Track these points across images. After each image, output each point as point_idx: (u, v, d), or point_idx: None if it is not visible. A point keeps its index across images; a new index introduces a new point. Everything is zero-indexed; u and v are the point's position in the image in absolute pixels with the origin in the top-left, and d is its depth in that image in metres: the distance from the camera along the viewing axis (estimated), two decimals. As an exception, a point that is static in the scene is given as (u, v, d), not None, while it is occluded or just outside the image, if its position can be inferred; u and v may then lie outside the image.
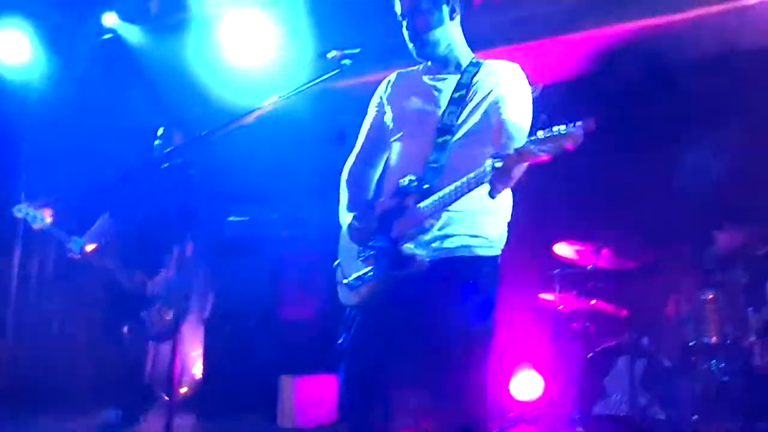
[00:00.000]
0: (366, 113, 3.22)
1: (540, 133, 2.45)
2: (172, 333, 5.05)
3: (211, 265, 5.64)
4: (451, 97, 2.91)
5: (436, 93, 2.96)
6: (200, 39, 6.19)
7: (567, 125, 2.41)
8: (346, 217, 3.03)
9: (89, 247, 5.04)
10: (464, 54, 3.03)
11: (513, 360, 6.15)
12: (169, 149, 3.14)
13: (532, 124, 2.86)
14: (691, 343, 4.84)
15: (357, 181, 3.12)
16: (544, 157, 2.44)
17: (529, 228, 5.94)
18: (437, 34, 2.95)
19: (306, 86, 3.05)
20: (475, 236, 2.84)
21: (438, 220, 2.78)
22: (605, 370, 5.05)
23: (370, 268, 2.88)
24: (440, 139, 2.84)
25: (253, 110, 3.07)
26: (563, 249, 5.43)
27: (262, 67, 6.01)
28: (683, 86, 5.28)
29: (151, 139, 5.12)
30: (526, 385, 5.94)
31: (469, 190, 2.65)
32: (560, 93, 5.93)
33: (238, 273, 6.10)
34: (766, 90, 5.15)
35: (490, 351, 2.84)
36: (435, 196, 2.74)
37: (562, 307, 5.42)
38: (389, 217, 2.85)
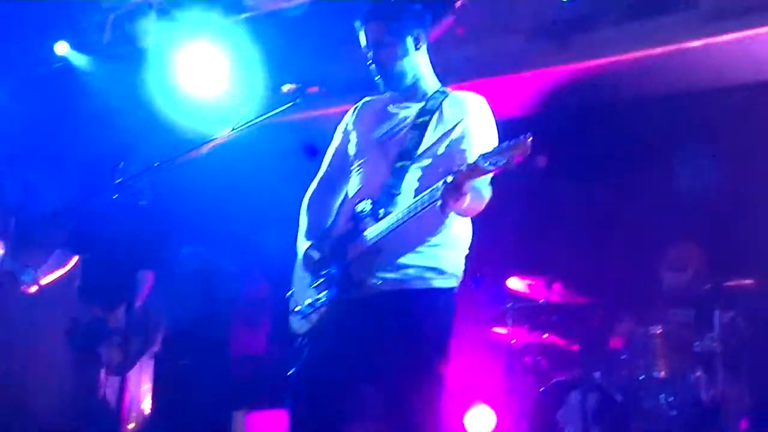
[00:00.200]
0: (323, 144, 3.21)
1: (490, 148, 2.49)
2: (131, 367, 4.98)
3: (161, 298, 5.55)
4: (413, 123, 2.89)
5: (399, 120, 2.94)
6: (153, 69, 6.14)
7: (515, 138, 2.43)
8: (302, 245, 2.99)
9: (44, 280, 4.96)
10: (431, 83, 3.02)
11: (467, 394, 6.15)
12: (119, 180, 3.08)
13: None
14: (640, 378, 4.88)
15: (317, 208, 3.08)
16: (495, 170, 2.45)
17: (483, 262, 6.01)
18: (403, 65, 2.94)
19: (260, 119, 3.04)
20: (432, 268, 2.80)
21: (393, 247, 2.75)
22: (557, 405, 5.06)
23: (322, 294, 2.85)
24: (399, 164, 2.82)
25: (207, 141, 3.04)
26: (516, 283, 5.47)
27: (217, 98, 5.99)
28: (628, 125, 5.42)
29: (103, 170, 5.04)
30: (479, 419, 5.94)
31: (423, 209, 2.62)
32: (511, 130, 6.05)
33: (189, 306, 6.00)
34: (705, 128, 5.31)
35: (443, 384, 2.80)
36: (389, 218, 2.72)
37: (514, 341, 5.45)
38: (343, 242, 2.82)
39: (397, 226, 2.69)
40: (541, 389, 5.21)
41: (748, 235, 5.16)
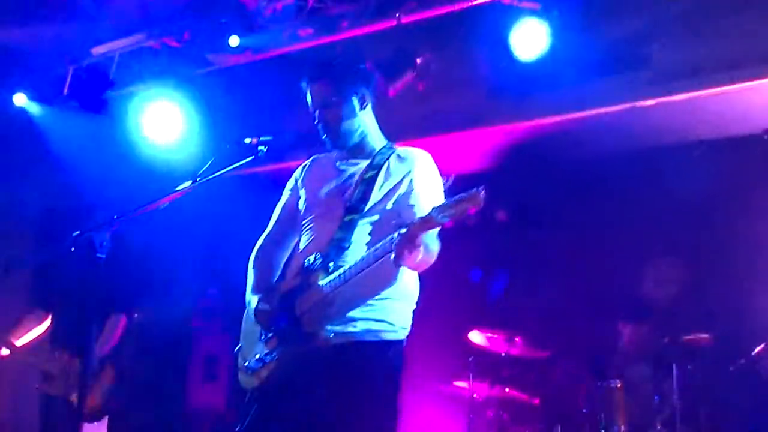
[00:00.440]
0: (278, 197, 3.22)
1: (443, 200, 2.51)
2: (103, 414, 4.89)
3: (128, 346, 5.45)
4: (361, 178, 2.92)
5: (347, 177, 2.97)
6: (112, 121, 6.13)
7: (469, 191, 2.46)
8: (251, 299, 2.98)
9: (19, 342, 4.94)
10: (377, 140, 3.05)
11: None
12: (76, 233, 3.03)
13: None
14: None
15: (264, 263, 3.08)
16: (448, 222, 2.47)
17: (444, 315, 6.01)
18: (349, 124, 2.98)
19: (221, 171, 3.03)
20: (381, 320, 2.80)
21: (343, 300, 2.76)
22: (519, 459, 5.04)
23: (272, 348, 2.83)
24: (347, 218, 2.84)
25: (168, 194, 3.02)
26: (477, 337, 5.47)
27: (176, 150, 5.98)
28: (587, 180, 5.52)
29: (60, 222, 5.00)
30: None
31: (375, 260, 2.64)
32: (471, 185, 6.12)
33: (146, 360, 5.88)
34: (662, 185, 5.42)
35: None
36: (339, 271, 2.73)
37: (476, 395, 5.42)
38: (293, 296, 2.82)
39: (350, 278, 2.70)
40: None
41: (706, 291, 5.24)
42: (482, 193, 2.44)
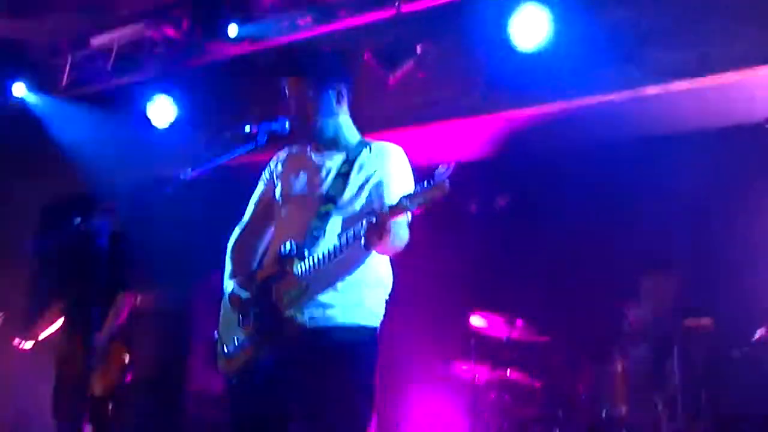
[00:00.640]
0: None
1: (409, 191, 2.61)
2: (116, 394, 4.97)
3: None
4: (337, 172, 3.01)
5: (323, 170, 3.05)
6: (113, 110, 6.15)
7: (434, 178, 2.56)
8: (229, 286, 3.07)
9: (42, 335, 5.13)
10: (352, 135, 3.14)
11: (431, 431, 6.13)
12: (77, 221, 3.06)
13: None
14: (602, 415, 4.91)
15: (241, 252, 3.17)
16: (417, 210, 2.59)
17: (445, 299, 6.04)
18: (324, 119, 3.05)
19: (220, 159, 3.05)
20: (356, 305, 2.90)
21: (318, 286, 2.85)
22: (521, 442, 5.07)
23: (249, 334, 2.91)
24: (323, 209, 2.93)
25: (167, 181, 3.04)
26: (478, 320, 5.50)
27: (175, 137, 5.99)
28: (588, 167, 5.52)
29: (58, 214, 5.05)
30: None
31: (347, 245, 2.73)
32: (473, 172, 6.13)
33: (148, 344, 5.92)
34: (663, 173, 5.43)
35: (369, 417, 2.89)
36: (313, 258, 2.82)
37: (477, 378, 5.45)
38: (270, 283, 2.89)
39: (323, 264, 2.80)
40: (505, 426, 5.21)
41: (709, 275, 5.26)
42: (447, 183, 2.54)
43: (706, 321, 4.79)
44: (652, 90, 4.74)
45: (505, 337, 5.40)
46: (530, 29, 4.71)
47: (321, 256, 2.79)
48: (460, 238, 6.07)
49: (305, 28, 5.20)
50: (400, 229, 2.79)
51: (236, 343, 2.94)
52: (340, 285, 2.88)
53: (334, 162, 3.04)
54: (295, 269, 2.84)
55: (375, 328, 2.97)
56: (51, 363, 5.08)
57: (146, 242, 5.43)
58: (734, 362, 4.82)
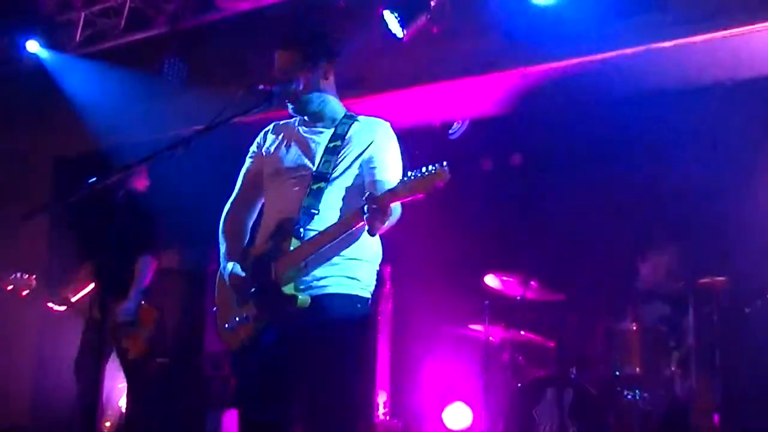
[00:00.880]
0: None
1: (410, 174, 2.66)
2: (156, 358, 5.03)
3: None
4: (326, 147, 3.06)
5: (312, 144, 3.09)
6: (125, 67, 6.12)
7: (435, 166, 2.62)
8: (226, 265, 3.11)
9: (74, 298, 5.12)
10: (338, 109, 3.18)
11: (444, 391, 6.18)
12: (92, 179, 3.05)
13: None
14: (616, 374, 4.92)
15: (234, 230, 3.21)
16: (418, 195, 2.65)
17: (460, 260, 6.04)
18: (311, 93, 3.09)
19: (236, 116, 3.03)
20: (351, 278, 2.98)
21: (315, 262, 2.92)
22: (534, 401, 5.10)
23: (250, 311, 2.98)
24: (315, 186, 2.98)
25: (182, 139, 3.02)
26: (492, 281, 5.49)
27: (191, 93, 5.97)
28: (603, 124, 5.45)
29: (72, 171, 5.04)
30: (457, 416, 5.98)
31: (348, 229, 2.84)
32: (487, 129, 6.08)
33: (163, 305, 5.97)
34: (679, 127, 5.37)
35: (367, 384, 2.98)
36: (313, 237, 2.90)
37: (491, 338, 5.47)
38: (267, 260, 2.95)
39: (321, 246, 2.87)
40: (518, 385, 5.24)
41: (723, 233, 5.22)
42: (447, 169, 2.60)
43: (721, 279, 4.77)
44: (667, 43, 4.67)
45: (519, 297, 5.40)
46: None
47: (318, 238, 2.88)
48: (473, 197, 6.04)
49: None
50: (397, 208, 2.86)
51: (236, 320, 3.01)
52: (336, 259, 2.95)
53: (322, 137, 3.09)
54: (291, 248, 2.91)
55: (368, 299, 3.05)
56: (78, 326, 5.12)
57: (162, 202, 5.44)
58: (748, 319, 4.81)
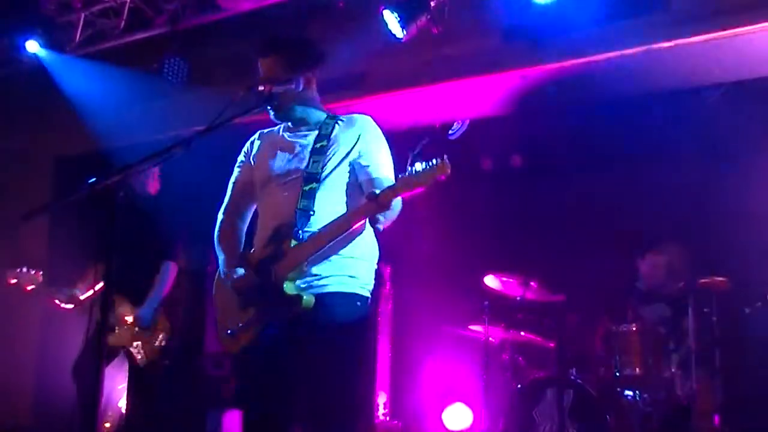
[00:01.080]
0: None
1: (410, 170, 2.71)
2: (162, 361, 5.01)
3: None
4: (313, 148, 3.08)
5: (298, 147, 3.12)
6: (125, 67, 6.11)
7: (436, 159, 2.68)
8: (227, 273, 3.13)
9: (83, 296, 5.06)
10: (319, 113, 3.22)
11: (444, 392, 6.18)
12: (92, 180, 3.04)
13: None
14: (616, 374, 4.92)
15: (229, 238, 3.23)
16: (419, 189, 2.70)
17: (460, 260, 6.04)
18: (293, 100, 3.12)
19: (236, 117, 3.02)
20: (351, 276, 3.02)
21: (315, 262, 2.95)
22: (534, 402, 5.09)
23: (253, 315, 3.01)
24: (307, 187, 3.01)
25: (183, 139, 3.02)
26: (492, 281, 5.49)
27: (190, 95, 5.96)
28: (602, 124, 5.45)
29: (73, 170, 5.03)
30: (457, 416, 5.98)
31: (350, 227, 2.87)
32: (487, 129, 6.08)
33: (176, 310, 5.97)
34: (678, 128, 5.37)
35: (367, 385, 3.00)
36: (314, 237, 2.93)
37: (491, 339, 5.46)
38: (267, 263, 2.98)
39: (322, 246, 2.91)
40: (518, 386, 5.24)
41: (723, 233, 5.22)
42: (447, 161, 2.66)
43: (720, 279, 4.77)
44: (667, 44, 4.67)
45: (519, 297, 5.40)
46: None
47: (318, 237, 2.91)
48: (473, 197, 6.04)
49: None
50: (398, 204, 2.91)
51: (239, 326, 3.03)
52: (335, 258, 2.98)
53: (308, 139, 3.12)
54: (292, 248, 2.94)
55: (367, 298, 3.08)
56: (81, 325, 5.10)
57: (162, 202, 5.44)
58: (748, 320, 4.81)
